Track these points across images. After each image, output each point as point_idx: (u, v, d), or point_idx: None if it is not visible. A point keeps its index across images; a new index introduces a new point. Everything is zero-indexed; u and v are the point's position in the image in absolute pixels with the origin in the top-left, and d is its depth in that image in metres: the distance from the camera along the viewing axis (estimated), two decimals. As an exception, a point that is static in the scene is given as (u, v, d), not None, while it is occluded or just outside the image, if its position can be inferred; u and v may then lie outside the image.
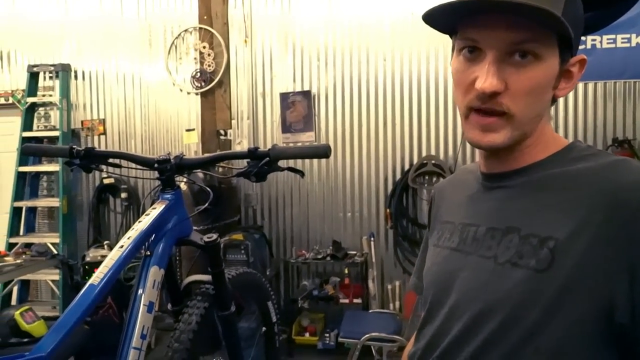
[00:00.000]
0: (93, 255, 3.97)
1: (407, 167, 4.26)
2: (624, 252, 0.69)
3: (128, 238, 1.24)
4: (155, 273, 1.31)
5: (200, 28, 4.54)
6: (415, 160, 4.23)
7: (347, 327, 3.53)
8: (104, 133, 4.82)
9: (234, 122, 4.58)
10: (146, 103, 4.76)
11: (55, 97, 4.68)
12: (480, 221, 0.85)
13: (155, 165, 1.39)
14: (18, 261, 3.61)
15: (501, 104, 0.76)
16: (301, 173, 1.39)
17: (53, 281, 4.54)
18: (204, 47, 4.52)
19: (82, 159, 1.45)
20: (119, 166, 1.50)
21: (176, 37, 4.63)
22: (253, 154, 1.33)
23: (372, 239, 4.26)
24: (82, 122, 4.83)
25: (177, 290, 1.61)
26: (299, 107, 4.47)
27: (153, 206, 1.36)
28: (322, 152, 1.29)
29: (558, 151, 0.82)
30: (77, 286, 3.92)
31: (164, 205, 1.37)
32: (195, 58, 4.57)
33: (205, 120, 4.61)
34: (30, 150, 1.49)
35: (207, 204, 1.41)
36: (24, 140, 4.56)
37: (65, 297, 4.32)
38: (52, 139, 4.67)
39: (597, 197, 0.72)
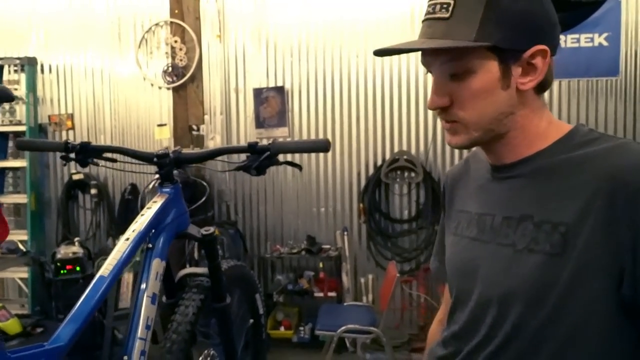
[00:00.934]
0: (64, 252, 3.90)
1: (379, 162, 4.35)
2: (627, 232, 0.76)
3: (133, 231, 1.26)
4: (157, 265, 1.33)
5: (171, 22, 4.50)
6: (387, 156, 4.32)
7: (323, 320, 3.58)
8: (72, 128, 4.72)
9: (206, 117, 4.56)
10: (116, 98, 4.69)
11: (21, 91, 4.55)
12: (495, 211, 0.92)
13: (155, 159, 1.41)
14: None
15: (452, 114, 0.89)
16: (299, 167, 1.43)
17: (21, 279, 4.43)
18: (176, 42, 4.49)
19: (77, 154, 1.46)
20: (115, 161, 1.51)
21: (146, 31, 4.57)
22: (253, 148, 1.36)
23: (345, 233, 4.33)
24: (49, 116, 4.71)
25: (172, 282, 1.63)
26: (272, 103, 4.49)
27: (153, 200, 1.38)
28: (322, 146, 1.34)
29: (561, 137, 0.88)
30: (49, 283, 3.85)
31: (164, 199, 1.39)
32: (166, 52, 4.53)
33: (177, 116, 4.58)
34: (23, 145, 1.48)
35: (204, 198, 1.44)
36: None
37: (34, 295, 4.22)
38: (19, 134, 4.54)
39: (599, 181, 0.79)
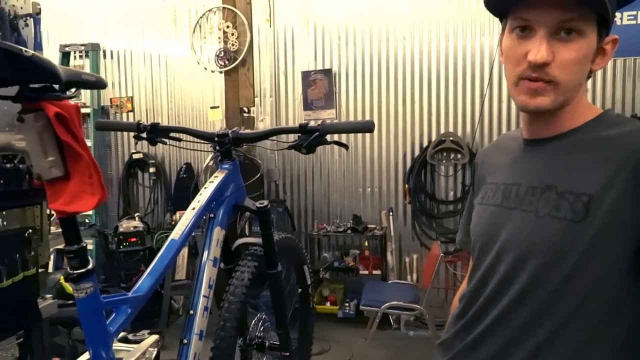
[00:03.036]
0: (126, 226, 4.19)
1: (425, 143, 4.41)
2: None
3: (198, 201, 1.42)
4: (218, 233, 1.49)
5: (223, 8, 4.66)
6: (433, 137, 4.37)
7: (367, 296, 3.72)
8: (132, 110, 5.01)
9: (256, 99, 4.73)
10: (172, 81, 4.93)
11: (86, 75, 4.86)
12: (522, 181, 1.00)
13: (216, 138, 1.56)
14: (58, 230, 3.82)
15: (549, 73, 0.90)
16: (345, 146, 1.55)
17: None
18: (228, 27, 4.65)
19: (148, 133, 1.63)
20: (180, 140, 1.67)
21: (200, 17, 4.77)
22: (304, 129, 1.49)
23: (391, 213, 4.43)
24: (110, 99, 5.02)
25: (229, 251, 1.79)
26: (320, 85, 4.61)
27: (215, 174, 1.54)
28: (367, 127, 1.45)
29: (592, 119, 0.96)
30: (112, 254, 4.15)
31: (224, 174, 1.54)
32: (219, 37, 4.71)
33: (229, 98, 4.75)
34: (102, 126, 1.66)
35: (259, 174, 1.58)
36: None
37: (99, 264, 4.54)
38: (83, 116, 4.86)
39: (624, 158, 0.87)
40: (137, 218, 4.32)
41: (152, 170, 4.83)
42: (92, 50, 4.85)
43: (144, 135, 1.63)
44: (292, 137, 1.60)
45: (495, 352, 0.96)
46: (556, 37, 0.89)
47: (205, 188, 1.48)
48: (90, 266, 0.97)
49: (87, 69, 4.86)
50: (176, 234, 1.30)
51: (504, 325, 0.96)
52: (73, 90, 0.90)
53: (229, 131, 1.57)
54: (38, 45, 1.60)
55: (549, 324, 0.91)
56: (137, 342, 1.11)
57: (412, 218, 4.47)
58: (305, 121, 1.51)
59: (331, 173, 4.66)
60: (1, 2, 1.40)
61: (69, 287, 3.15)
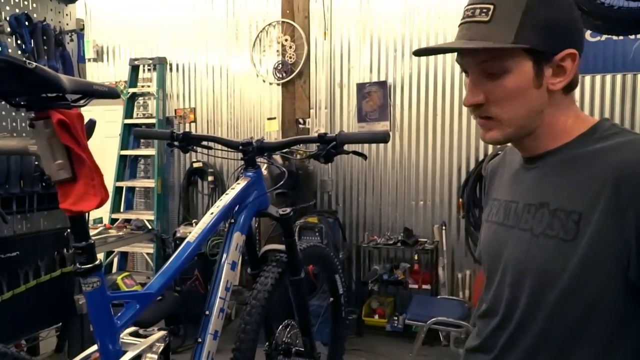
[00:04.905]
0: (183, 232, 4.37)
1: (481, 156, 4.30)
2: (632, 222, 0.81)
3: (217, 207, 1.49)
4: (237, 238, 1.55)
5: (282, 22, 4.80)
6: (489, 150, 4.26)
7: (414, 309, 3.65)
8: (195, 121, 5.24)
9: (312, 111, 4.82)
10: (232, 93, 5.12)
11: (153, 87, 5.15)
12: (519, 198, 1.00)
13: (240, 147, 1.63)
14: (120, 233, 4.06)
15: (487, 110, 0.95)
16: (364, 156, 1.57)
17: (148, 254, 5.03)
18: (286, 40, 4.78)
19: (180, 142, 1.72)
20: (209, 148, 1.76)
21: (260, 31, 4.93)
22: (322, 138, 1.52)
23: (443, 227, 4.35)
24: (175, 110, 5.28)
25: (255, 257, 1.85)
26: (374, 97, 4.62)
27: (237, 182, 1.60)
28: (382, 137, 1.46)
29: (584, 132, 0.93)
30: (169, 258, 4.34)
31: (246, 181, 1.60)
32: (277, 50, 4.85)
33: (285, 110, 4.88)
34: (139, 134, 1.79)
35: (281, 182, 1.63)
36: (125, 126, 5.08)
37: (158, 268, 4.76)
38: (150, 126, 5.14)
39: (607, 174, 0.84)
40: (194, 224, 4.49)
41: (210, 178, 5.02)
42: (159, 64, 5.13)
43: (177, 143, 1.73)
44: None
45: None
46: (485, 76, 0.92)
47: (226, 194, 1.55)
48: (97, 262, 1.05)
49: (154, 82, 5.15)
50: (192, 237, 1.37)
51: (512, 350, 0.95)
52: (84, 100, 0.99)
53: (253, 140, 1.63)
54: (81, 59, 1.74)
55: (552, 348, 0.90)
56: (147, 337, 1.17)
57: (466, 233, 4.36)
58: (325, 131, 1.54)
59: (384, 185, 4.64)
60: (47, 19, 1.54)
61: (123, 287, 3.34)
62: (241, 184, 1.59)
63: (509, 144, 1.07)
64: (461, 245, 4.40)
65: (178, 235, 4.34)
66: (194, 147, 1.77)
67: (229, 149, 1.70)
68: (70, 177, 0.95)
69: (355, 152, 1.55)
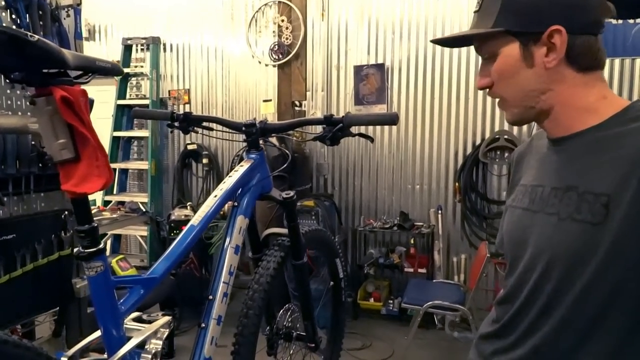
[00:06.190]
0: (177, 215, 4.33)
1: (478, 141, 4.28)
2: None
3: (220, 190, 1.45)
4: (241, 221, 1.51)
5: (279, 2, 4.71)
6: (487, 135, 4.24)
7: (411, 293, 3.65)
8: (189, 102, 5.16)
9: (308, 93, 4.76)
10: (227, 74, 5.05)
11: (146, 68, 5.06)
12: (545, 182, 0.98)
13: (243, 128, 1.58)
14: (114, 216, 4.02)
15: (494, 92, 1.01)
16: (370, 139, 1.53)
17: (141, 236, 4.98)
18: (283, 21, 4.70)
19: (181, 122, 1.67)
20: (211, 129, 1.71)
21: (256, 11, 4.84)
22: (328, 120, 1.49)
23: (440, 211, 4.34)
24: (169, 91, 5.20)
25: (257, 240, 1.81)
26: (372, 80, 4.57)
27: (241, 164, 1.56)
28: (390, 119, 1.42)
29: (616, 113, 0.91)
30: (164, 241, 4.31)
31: (249, 164, 1.56)
32: (273, 31, 4.77)
33: (281, 92, 4.81)
34: (139, 114, 1.73)
35: (285, 165, 1.59)
36: (118, 107, 5.00)
37: (152, 251, 4.74)
38: (143, 107, 5.06)
39: (637, 154, 0.82)
40: (189, 207, 4.46)
41: (205, 161, 4.96)
42: (153, 44, 5.03)
43: (177, 124, 1.68)
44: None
45: None
46: (488, 61, 1.01)
47: (229, 177, 1.51)
48: (100, 246, 1.01)
49: (148, 62, 5.06)
50: (196, 220, 1.34)
51: (531, 336, 0.94)
52: (87, 76, 0.94)
53: (257, 121, 1.59)
54: (78, 35, 1.68)
55: (572, 336, 0.88)
56: (150, 322, 1.14)
57: (462, 217, 4.36)
58: (331, 113, 1.50)
59: (380, 169, 4.61)
60: (43, -7, 1.48)
61: (118, 270, 3.30)
62: (244, 166, 1.55)
63: (537, 132, 1.10)
64: (457, 230, 4.40)
65: (173, 217, 4.30)
66: (195, 128, 1.72)
67: (231, 131, 1.66)
68: (73, 157, 0.91)
69: (361, 135, 1.52)
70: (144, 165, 5.09)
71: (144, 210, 4.57)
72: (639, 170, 0.81)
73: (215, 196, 1.43)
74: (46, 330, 1.72)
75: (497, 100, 1.03)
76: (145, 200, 4.91)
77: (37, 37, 0.78)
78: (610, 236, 0.82)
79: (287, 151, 1.63)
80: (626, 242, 0.82)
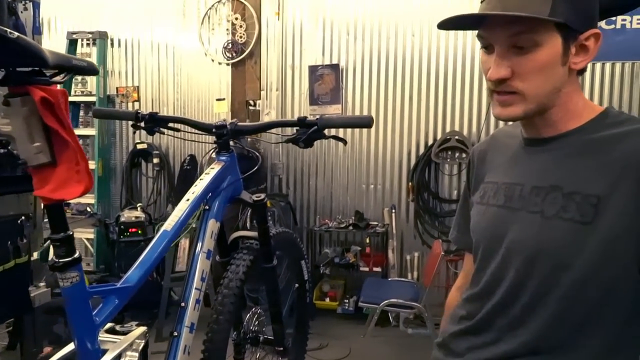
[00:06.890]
0: (127, 216, 4.19)
1: (430, 141, 4.38)
2: None
3: (193, 193, 1.40)
4: (212, 225, 1.47)
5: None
6: (439, 135, 4.34)
7: (367, 292, 3.69)
8: (138, 100, 5.00)
9: (263, 93, 4.71)
10: (179, 72, 4.92)
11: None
12: (525, 181, 0.98)
13: (213, 130, 1.54)
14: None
15: (511, 86, 0.92)
16: (344, 141, 1.53)
17: (87, 239, 4.78)
18: (236, 19, 4.63)
19: (146, 123, 1.61)
20: (178, 130, 1.66)
21: (209, 8, 4.75)
22: (303, 122, 1.47)
23: (393, 210, 4.41)
24: (117, 88, 5.01)
25: (225, 244, 1.77)
26: (327, 80, 4.58)
27: (211, 166, 1.52)
28: (366, 122, 1.42)
29: (594, 117, 0.94)
30: (113, 244, 4.15)
31: (220, 166, 1.53)
32: (227, 29, 4.69)
33: (235, 91, 4.74)
34: (100, 113, 1.65)
35: (256, 168, 1.56)
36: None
37: (99, 254, 4.56)
38: (89, 104, 4.86)
39: (628, 159, 0.85)
40: (139, 208, 4.31)
41: (156, 160, 4.82)
42: (100, 39, 4.83)
43: (142, 124, 1.62)
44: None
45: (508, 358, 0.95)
46: (513, 51, 0.90)
47: (201, 179, 1.47)
48: (76, 255, 0.96)
49: (94, 57, 4.85)
50: (169, 225, 1.29)
51: (514, 332, 0.94)
52: (62, 75, 0.88)
53: (227, 123, 1.55)
54: (37, 30, 1.58)
55: (566, 330, 0.90)
56: (125, 333, 1.09)
57: (415, 216, 4.44)
58: (305, 115, 1.49)
59: (335, 169, 4.63)
60: (-1, -15, 1.39)
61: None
62: (215, 168, 1.51)
63: (497, 130, 1.10)
64: (410, 228, 4.48)
65: (122, 219, 4.15)
66: (161, 129, 1.66)
67: (201, 132, 1.61)
68: (49, 162, 0.85)
69: (335, 137, 1.51)
70: (90, 164, 4.85)
71: (91, 212, 4.38)
72: (629, 174, 0.84)
73: (188, 200, 1.38)
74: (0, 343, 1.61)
75: (493, 94, 0.95)
76: (92, 201, 4.71)
77: (16, 33, 0.72)
78: (600, 235, 0.85)
79: (257, 152, 1.60)
80: (616, 242, 0.85)
